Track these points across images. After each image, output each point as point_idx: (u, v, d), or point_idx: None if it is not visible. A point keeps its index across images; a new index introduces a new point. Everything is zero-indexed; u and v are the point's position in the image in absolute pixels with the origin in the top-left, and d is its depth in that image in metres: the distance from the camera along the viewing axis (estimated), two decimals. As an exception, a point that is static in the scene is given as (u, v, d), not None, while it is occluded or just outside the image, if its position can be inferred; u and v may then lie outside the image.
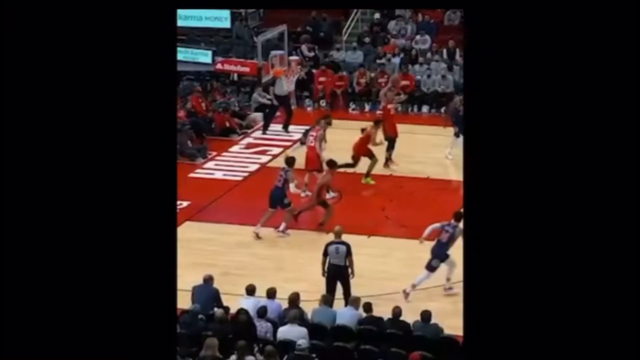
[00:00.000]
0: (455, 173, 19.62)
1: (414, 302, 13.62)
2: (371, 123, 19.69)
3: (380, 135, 19.51)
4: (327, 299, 12.89)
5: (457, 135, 20.33)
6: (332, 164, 17.56)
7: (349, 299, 13.04)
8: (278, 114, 24.18)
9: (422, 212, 18.03)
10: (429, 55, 25.77)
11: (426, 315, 12.30)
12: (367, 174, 19.38)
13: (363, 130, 19.46)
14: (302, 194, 18.57)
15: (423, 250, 16.27)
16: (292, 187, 17.68)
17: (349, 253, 13.89)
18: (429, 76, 24.80)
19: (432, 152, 21.11)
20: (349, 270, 13.91)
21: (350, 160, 19.23)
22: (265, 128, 22.99)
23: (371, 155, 19.31)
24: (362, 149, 19.30)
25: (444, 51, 25.82)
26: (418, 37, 26.55)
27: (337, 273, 13.92)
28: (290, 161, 17.37)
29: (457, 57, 25.64)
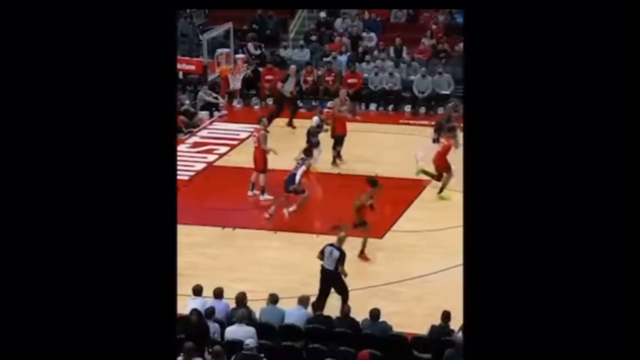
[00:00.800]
0: (404, 171, 19.64)
1: (362, 301, 13.56)
2: (447, 133, 18.73)
3: (457, 142, 18.45)
4: (274, 298, 12.77)
5: (435, 141, 19.83)
6: (374, 182, 16.32)
7: (299, 298, 12.95)
8: (225, 112, 24.05)
9: (371, 211, 18.04)
10: (375, 52, 25.79)
11: (375, 314, 12.27)
12: (441, 189, 18.43)
13: (435, 140, 19.13)
14: (250, 193, 18.49)
15: (368, 248, 16.29)
16: (297, 177, 17.48)
17: (340, 260, 13.64)
18: (376, 74, 24.82)
19: (381, 150, 21.12)
20: (341, 276, 13.67)
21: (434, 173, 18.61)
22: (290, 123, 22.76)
23: (448, 169, 18.27)
24: (441, 162, 18.41)
25: (391, 49, 25.86)
26: (364, 34, 26.58)
27: (328, 277, 13.67)
28: (307, 151, 17.86)
29: (404, 54, 25.73)
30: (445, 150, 18.44)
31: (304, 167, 17.55)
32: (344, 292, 13.56)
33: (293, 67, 23.96)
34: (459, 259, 15.17)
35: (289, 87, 23.10)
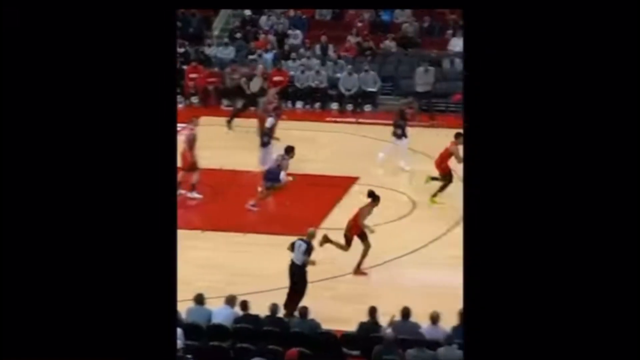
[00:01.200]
0: (329, 168, 19.56)
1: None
2: (452, 138, 17.53)
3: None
4: (200, 298, 12.56)
5: (398, 137, 19.57)
6: (374, 196, 15.34)
7: (226, 297, 12.72)
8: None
9: (297, 208, 17.93)
10: (301, 50, 25.69)
11: (303, 311, 12.16)
12: (435, 194, 17.71)
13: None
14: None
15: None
16: (282, 176, 17.44)
17: (307, 252, 13.48)
18: (302, 72, 24.72)
19: (307, 147, 21.02)
20: (305, 275, 13.52)
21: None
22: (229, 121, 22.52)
23: (449, 175, 17.53)
24: (441, 165, 17.70)
25: (317, 46, 25.79)
26: (290, 31, 26.47)
27: (295, 272, 13.51)
28: (289, 149, 17.76)
29: (330, 52, 25.68)
30: (448, 153, 17.64)
31: (284, 172, 17.44)
32: (301, 291, 13.43)
33: (260, 66, 23.77)
34: (389, 255, 15.37)
35: (254, 87, 22.86)
